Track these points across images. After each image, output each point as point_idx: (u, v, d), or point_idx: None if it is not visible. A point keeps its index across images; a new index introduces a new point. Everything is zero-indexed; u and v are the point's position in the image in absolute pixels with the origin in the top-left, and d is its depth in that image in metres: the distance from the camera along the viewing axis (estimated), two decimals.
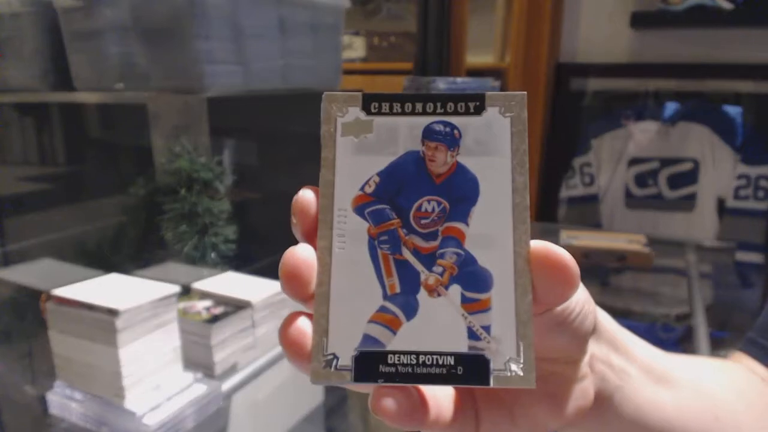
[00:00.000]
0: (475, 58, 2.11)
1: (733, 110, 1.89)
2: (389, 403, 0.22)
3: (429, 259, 0.23)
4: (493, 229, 0.23)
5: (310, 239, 0.23)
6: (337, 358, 0.22)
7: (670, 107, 1.95)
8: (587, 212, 2.04)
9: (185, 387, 0.66)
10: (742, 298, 1.44)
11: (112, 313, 0.60)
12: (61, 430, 0.65)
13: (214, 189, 0.79)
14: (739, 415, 0.39)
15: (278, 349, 0.79)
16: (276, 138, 0.98)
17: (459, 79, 1.29)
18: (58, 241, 0.98)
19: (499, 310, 0.23)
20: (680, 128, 1.92)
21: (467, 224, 0.23)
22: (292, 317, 0.23)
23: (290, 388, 0.84)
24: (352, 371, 0.22)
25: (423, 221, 0.23)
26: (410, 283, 0.23)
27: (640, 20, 1.90)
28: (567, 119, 2.11)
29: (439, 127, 0.24)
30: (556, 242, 0.23)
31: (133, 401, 0.62)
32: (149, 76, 0.85)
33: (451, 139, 0.24)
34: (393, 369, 0.22)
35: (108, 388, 0.62)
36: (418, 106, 0.24)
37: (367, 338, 0.23)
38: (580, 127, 2.08)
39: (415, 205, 0.24)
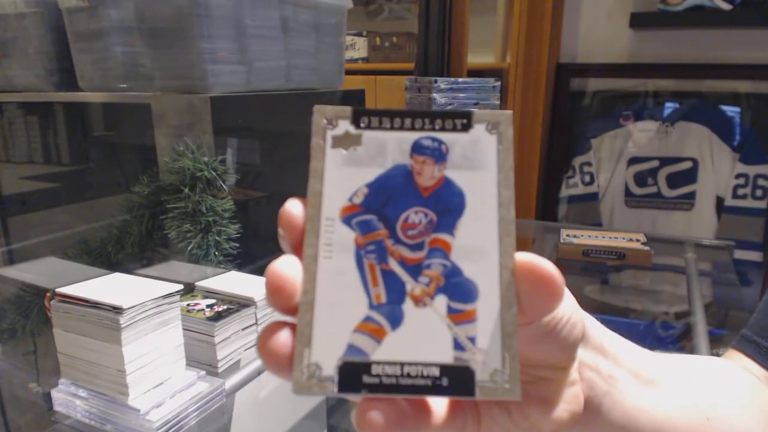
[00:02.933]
0: (476, 58, 2.12)
1: (732, 110, 1.89)
2: (375, 416, 0.21)
3: (415, 270, 0.23)
4: (479, 241, 0.24)
5: (297, 251, 0.23)
6: (321, 369, 0.22)
7: (669, 107, 1.96)
8: (587, 211, 2.05)
9: (188, 384, 0.66)
10: (741, 296, 1.44)
11: (116, 310, 0.60)
12: (66, 427, 0.65)
13: (217, 188, 0.79)
14: (733, 415, 0.38)
15: None
16: (278, 137, 0.99)
17: (460, 79, 1.30)
18: (63, 239, 0.98)
19: (484, 322, 0.23)
20: (679, 128, 1.93)
21: (453, 236, 0.24)
22: (273, 327, 0.22)
23: None
24: (336, 382, 0.22)
25: (410, 232, 0.24)
26: (396, 293, 0.23)
27: (639, 21, 1.91)
28: (567, 119, 2.11)
29: (428, 142, 0.24)
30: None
31: (136, 398, 0.62)
32: (153, 76, 0.85)
33: (439, 154, 0.24)
34: (377, 380, 0.22)
35: (112, 386, 0.62)
36: (407, 122, 0.24)
37: (352, 348, 0.22)
38: (580, 127, 2.09)
39: (403, 217, 0.24)
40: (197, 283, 0.78)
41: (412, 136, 0.24)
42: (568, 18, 2.06)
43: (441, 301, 0.23)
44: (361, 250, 0.23)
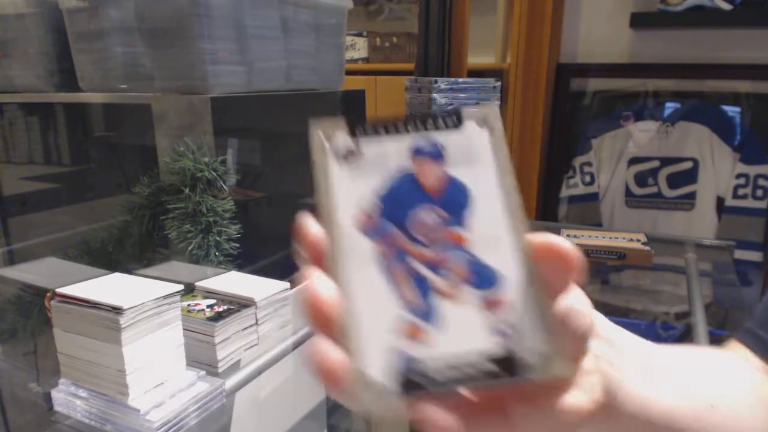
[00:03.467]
0: (476, 58, 2.12)
1: (732, 110, 1.89)
2: (435, 413, 0.22)
3: (439, 267, 0.24)
4: (492, 229, 0.24)
5: (319, 266, 0.24)
6: (375, 379, 0.22)
7: (670, 107, 1.96)
8: (587, 211, 2.05)
9: (189, 384, 0.66)
10: (741, 296, 1.45)
11: (116, 311, 0.60)
12: (66, 427, 0.65)
13: (217, 188, 0.79)
14: (735, 403, 0.40)
15: (281, 347, 0.80)
16: (279, 137, 0.99)
17: (460, 80, 1.30)
18: (63, 239, 0.98)
19: (516, 305, 0.23)
20: (680, 128, 1.93)
21: (467, 229, 0.24)
22: (319, 346, 0.23)
23: (293, 385, 0.85)
24: (392, 389, 0.22)
25: (425, 232, 0.24)
26: (426, 292, 0.24)
27: (639, 21, 1.91)
28: (567, 119, 2.11)
29: (425, 145, 0.25)
30: None
31: (136, 398, 0.62)
32: (153, 76, 0.85)
33: (437, 154, 0.25)
34: (429, 378, 0.23)
35: (112, 386, 0.62)
36: (402, 127, 0.25)
37: (398, 353, 0.23)
38: (580, 127, 2.09)
39: (416, 219, 0.24)
40: (197, 284, 0.78)
41: (409, 141, 0.25)
42: (568, 18, 2.06)
43: (470, 293, 0.24)
44: (384, 257, 0.24)
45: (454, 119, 0.25)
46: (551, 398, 0.26)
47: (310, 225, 0.24)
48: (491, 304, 0.24)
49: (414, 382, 0.23)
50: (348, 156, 0.25)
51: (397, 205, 0.25)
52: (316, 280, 0.23)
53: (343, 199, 0.24)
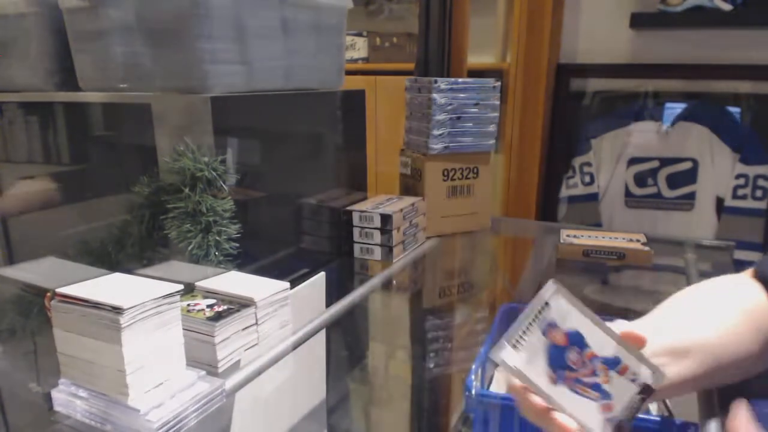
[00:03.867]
0: (476, 58, 2.12)
1: (732, 110, 1.89)
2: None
3: (594, 372, 0.49)
4: (601, 340, 0.49)
5: (546, 409, 0.49)
6: None
7: (669, 107, 1.96)
8: (587, 211, 2.05)
9: (188, 384, 0.66)
10: None
11: (116, 310, 0.60)
12: (66, 427, 0.65)
13: (217, 188, 0.79)
14: (747, 359, 0.57)
15: (281, 347, 0.80)
16: (279, 137, 0.99)
17: (460, 79, 1.29)
18: (63, 239, 0.98)
19: (631, 363, 0.49)
20: (679, 128, 1.93)
21: (591, 347, 0.49)
22: None
23: (293, 385, 0.85)
24: None
25: (576, 363, 0.49)
26: (599, 388, 0.49)
27: (639, 21, 1.91)
28: (567, 119, 2.11)
29: (546, 326, 0.50)
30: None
31: (136, 399, 0.62)
32: (153, 76, 0.85)
33: (555, 326, 0.50)
34: (624, 421, 0.49)
35: (112, 386, 0.62)
36: (528, 326, 0.50)
37: (609, 421, 0.49)
38: (580, 127, 2.09)
39: (569, 360, 0.49)
40: (197, 283, 0.78)
41: (538, 329, 0.50)
42: (568, 18, 2.07)
43: (612, 373, 0.49)
44: (571, 387, 0.49)
45: (545, 304, 0.50)
46: None
47: (531, 396, 0.49)
48: (623, 371, 0.49)
49: (621, 428, 0.49)
50: (520, 356, 0.50)
51: (557, 361, 0.49)
52: (562, 419, 0.47)
53: (535, 376, 0.49)
